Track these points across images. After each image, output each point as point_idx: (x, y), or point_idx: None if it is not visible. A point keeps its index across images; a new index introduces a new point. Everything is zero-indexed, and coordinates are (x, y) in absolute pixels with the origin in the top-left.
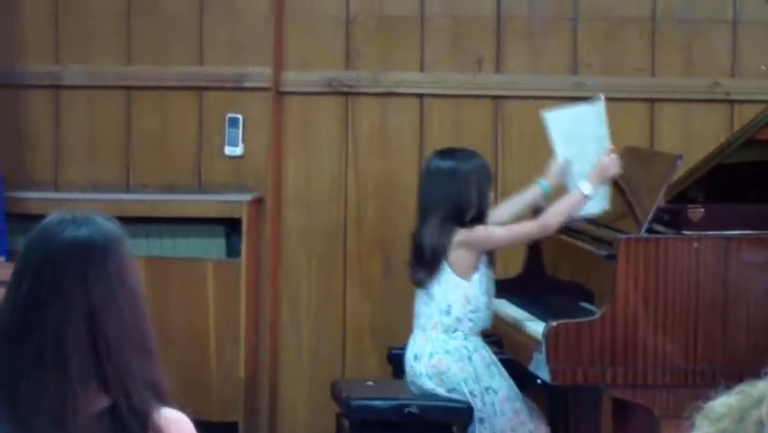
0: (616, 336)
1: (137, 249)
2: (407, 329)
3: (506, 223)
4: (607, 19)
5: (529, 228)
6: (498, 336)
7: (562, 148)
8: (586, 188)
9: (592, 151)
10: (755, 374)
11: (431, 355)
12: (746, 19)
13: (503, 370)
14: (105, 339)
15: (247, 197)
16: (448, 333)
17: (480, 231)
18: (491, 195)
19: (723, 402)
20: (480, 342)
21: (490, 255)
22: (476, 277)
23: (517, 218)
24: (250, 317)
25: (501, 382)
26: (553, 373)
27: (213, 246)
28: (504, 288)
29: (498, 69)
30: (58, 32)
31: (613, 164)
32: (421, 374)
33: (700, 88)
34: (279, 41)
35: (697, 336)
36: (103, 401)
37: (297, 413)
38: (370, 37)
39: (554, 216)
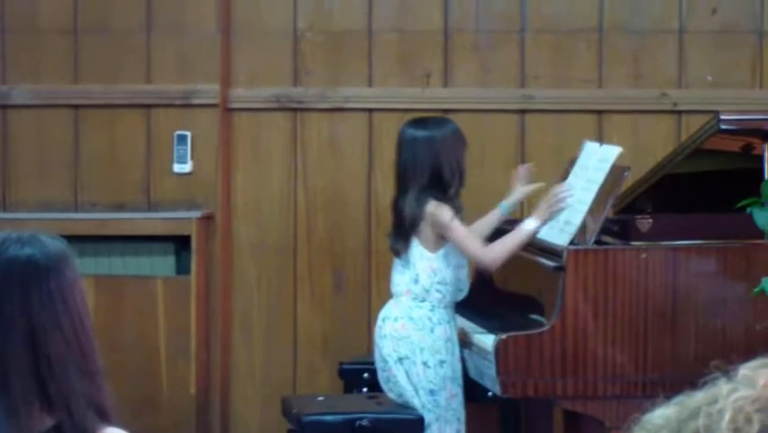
0: (566, 347)
1: (86, 268)
2: (359, 343)
3: None
4: (554, 32)
5: (476, 252)
6: None
7: (573, 177)
8: (530, 224)
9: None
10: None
11: (396, 319)
12: (693, 29)
13: (457, 351)
14: (47, 360)
15: (196, 213)
16: (417, 301)
17: (445, 215)
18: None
19: (660, 414)
20: (446, 315)
21: None
22: (441, 251)
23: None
24: (200, 333)
25: (452, 361)
26: (503, 385)
27: (163, 264)
28: None
29: (446, 83)
30: (4, 51)
31: (557, 200)
32: (384, 336)
33: (648, 99)
34: (227, 58)
35: (647, 346)
36: (47, 421)
37: (249, 429)
38: (318, 53)
39: (499, 251)
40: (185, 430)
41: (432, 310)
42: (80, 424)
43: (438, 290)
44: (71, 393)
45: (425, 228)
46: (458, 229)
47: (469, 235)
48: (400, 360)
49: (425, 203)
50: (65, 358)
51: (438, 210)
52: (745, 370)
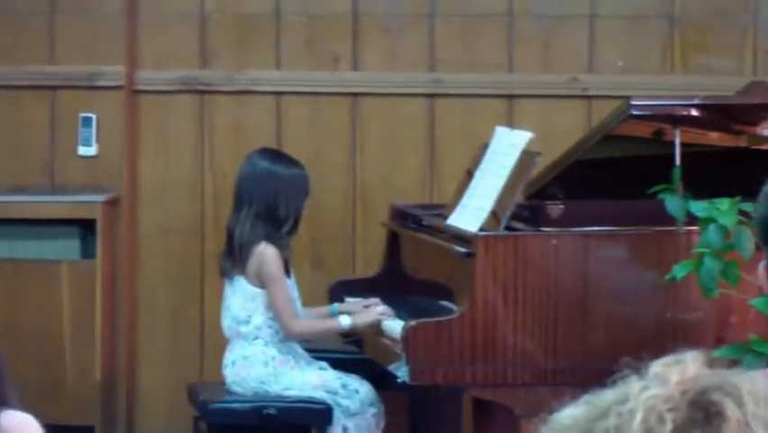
0: (475, 334)
1: None
2: None
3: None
4: (463, 15)
5: (286, 318)
6: (357, 337)
7: (485, 163)
8: (344, 321)
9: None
10: (615, 373)
11: (233, 363)
12: (603, 14)
13: (309, 366)
14: None
15: (101, 197)
16: (249, 340)
17: (273, 266)
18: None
19: (569, 414)
20: (284, 348)
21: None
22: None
23: None
24: (106, 319)
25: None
26: (412, 372)
27: (67, 248)
28: (363, 287)
29: (355, 66)
30: None
31: (377, 315)
32: (230, 383)
33: (558, 84)
34: (133, 39)
35: (557, 334)
36: None
37: (156, 416)
38: (225, 35)
39: (306, 329)
40: (90, 417)
41: (266, 346)
42: None
43: (270, 326)
44: None
45: (251, 265)
46: (281, 288)
47: (288, 299)
48: (256, 394)
49: (256, 240)
50: None
51: (267, 255)
52: (656, 367)
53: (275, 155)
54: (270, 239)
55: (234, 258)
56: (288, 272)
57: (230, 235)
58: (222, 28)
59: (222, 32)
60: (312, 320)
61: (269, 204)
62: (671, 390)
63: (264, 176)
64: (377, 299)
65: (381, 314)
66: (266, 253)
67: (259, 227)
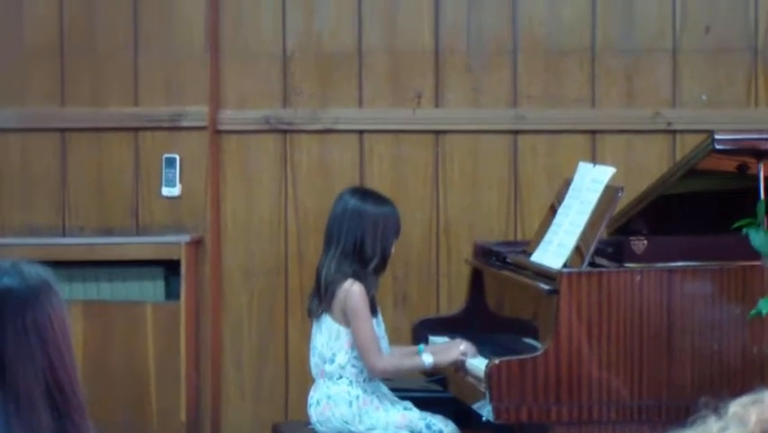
0: (560, 371)
1: (74, 293)
2: None
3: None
4: (546, 51)
5: (370, 356)
6: (441, 375)
7: (568, 199)
8: (427, 360)
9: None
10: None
11: (317, 403)
12: (686, 48)
13: (393, 407)
14: (15, 395)
15: (185, 238)
16: (333, 380)
17: (359, 303)
18: (394, 246)
19: None
20: (369, 388)
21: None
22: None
23: None
24: (190, 359)
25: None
26: (496, 410)
27: (152, 289)
28: (447, 325)
29: (437, 103)
30: None
31: (459, 353)
32: (314, 423)
33: (641, 119)
34: (215, 80)
35: (642, 370)
36: None
37: None
38: (307, 74)
39: (390, 367)
40: None
41: (350, 385)
42: None
43: (354, 365)
44: (38, 428)
45: (337, 303)
46: (365, 324)
47: (372, 336)
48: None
49: (342, 278)
50: (34, 394)
51: (352, 292)
52: (735, 407)
53: (365, 194)
54: (357, 277)
55: (321, 297)
56: (374, 311)
57: (318, 275)
58: (304, 67)
59: (304, 71)
60: (395, 357)
61: (355, 242)
62: (750, 430)
63: (353, 214)
64: (459, 339)
65: (463, 353)
66: (351, 290)
67: (345, 265)
